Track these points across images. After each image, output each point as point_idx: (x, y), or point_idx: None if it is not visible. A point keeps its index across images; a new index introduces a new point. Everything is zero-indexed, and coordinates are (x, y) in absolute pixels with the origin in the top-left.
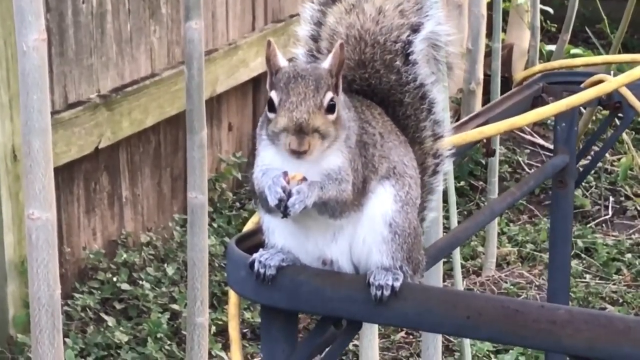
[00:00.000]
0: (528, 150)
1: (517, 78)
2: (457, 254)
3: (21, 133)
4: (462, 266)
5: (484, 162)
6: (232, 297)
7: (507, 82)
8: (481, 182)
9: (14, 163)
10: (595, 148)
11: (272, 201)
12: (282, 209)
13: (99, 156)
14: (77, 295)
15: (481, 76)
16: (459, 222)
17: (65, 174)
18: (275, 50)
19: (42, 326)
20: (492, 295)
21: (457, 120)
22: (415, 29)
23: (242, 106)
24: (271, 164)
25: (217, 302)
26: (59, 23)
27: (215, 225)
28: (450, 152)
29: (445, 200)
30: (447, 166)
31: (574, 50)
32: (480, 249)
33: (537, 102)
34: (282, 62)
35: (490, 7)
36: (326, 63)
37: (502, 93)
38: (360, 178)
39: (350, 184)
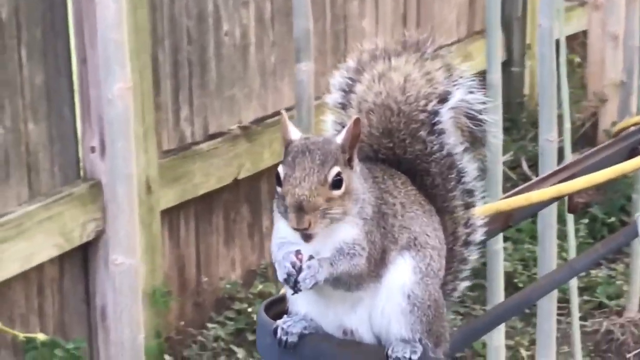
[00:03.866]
0: None
1: (614, 130)
2: (574, 294)
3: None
4: (606, 306)
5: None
6: None
7: None
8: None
9: (147, 195)
10: None
11: (281, 276)
12: (292, 285)
13: (239, 187)
14: (210, 325)
15: (634, 109)
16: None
17: (204, 204)
18: (287, 123)
19: None
20: None
21: None
22: (443, 98)
23: None
24: (286, 237)
25: None
26: (200, 55)
27: None
28: (484, 222)
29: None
30: (481, 236)
31: None
32: (626, 287)
33: (634, 154)
34: (293, 134)
35: None
36: (340, 137)
37: None
38: (379, 249)
39: (364, 257)
